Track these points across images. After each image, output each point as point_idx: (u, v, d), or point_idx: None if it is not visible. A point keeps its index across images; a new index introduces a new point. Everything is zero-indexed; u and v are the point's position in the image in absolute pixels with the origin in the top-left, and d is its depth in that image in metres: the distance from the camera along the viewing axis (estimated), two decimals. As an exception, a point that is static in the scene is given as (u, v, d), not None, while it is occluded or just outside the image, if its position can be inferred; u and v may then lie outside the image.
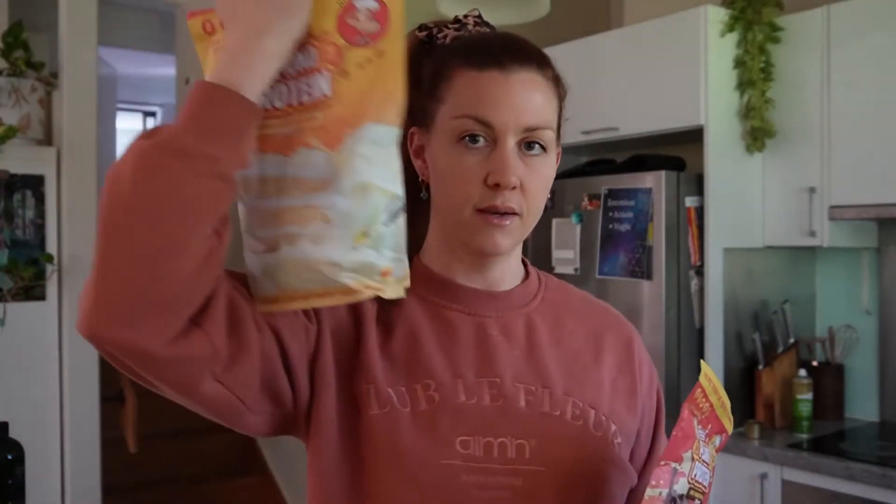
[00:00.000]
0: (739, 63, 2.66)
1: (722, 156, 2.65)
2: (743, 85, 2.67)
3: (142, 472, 3.57)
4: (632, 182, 2.69)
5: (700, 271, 2.66)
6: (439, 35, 0.95)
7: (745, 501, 2.48)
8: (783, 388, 2.69)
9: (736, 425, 2.60)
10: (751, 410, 2.71)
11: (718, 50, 2.63)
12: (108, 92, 5.76)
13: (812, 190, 2.60)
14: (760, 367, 2.70)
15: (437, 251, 0.93)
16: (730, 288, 2.68)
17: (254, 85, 0.71)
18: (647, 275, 2.62)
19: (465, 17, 0.96)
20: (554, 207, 2.88)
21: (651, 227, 2.61)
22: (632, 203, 2.68)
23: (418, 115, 0.89)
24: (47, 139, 3.05)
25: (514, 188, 0.84)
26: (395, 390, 0.85)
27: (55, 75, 3.06)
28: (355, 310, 0.88)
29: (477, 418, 0.85)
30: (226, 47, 0.73)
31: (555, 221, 2.91)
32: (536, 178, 0.86)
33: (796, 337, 2.78)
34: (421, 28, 0.96)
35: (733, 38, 2.66)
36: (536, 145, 0.86)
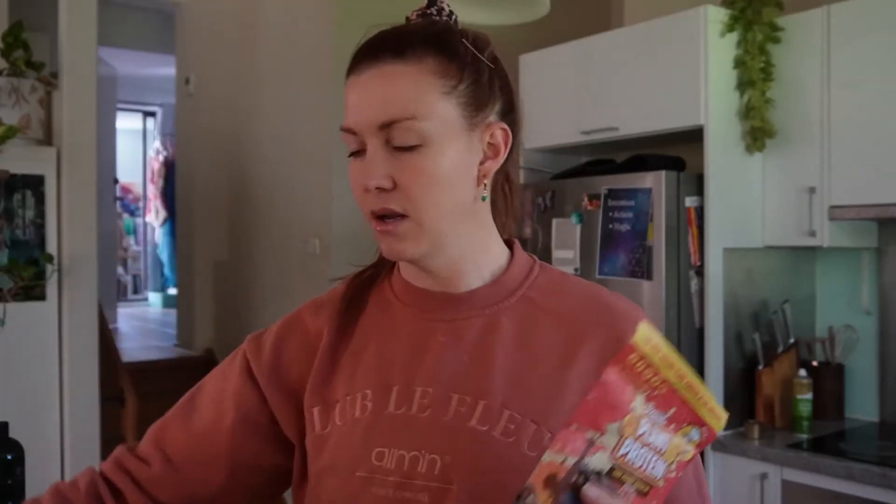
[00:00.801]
0: (739, 63, 2.66)
1: (722, 156, 2.65)
2: (743, 85, 2.67)
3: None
4: (632, 182, 2.69)
5: (700, 271, 2.66)
6: None
7: (745, 501, 2.49)
8: (783, 388, 2.69)
9: (736, 425, 2.64)
10: (751, 410, 2.71)
11: (718, 50, 2.63)
12: (108, 92, 5.76)
13: (812, 190, 2.60)
14: (760, 367, 2.70)
15: None
16: (730, 288, 2.68)
17: None
18: (647, 275, 2.62)
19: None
20: (554, 207, 2.89)
21: (651, 227, 2.61)
22: (632, 203, 2.68)
23: None
24: (47, 139, 3.05)
25: (379, 189, 0.81)
26: (335, 407, 0.87)
27: (55, 75, 3.05)
28: (307, 340, 0.92)
29: (397, 430, 0.82)
30: None
31: (555, 221, 2.91)
32: (411, 174, 0.81)
33: (796, 337, 2.78)
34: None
35: (733, 38, 2.66)
36: (405, 140, 0.80)
